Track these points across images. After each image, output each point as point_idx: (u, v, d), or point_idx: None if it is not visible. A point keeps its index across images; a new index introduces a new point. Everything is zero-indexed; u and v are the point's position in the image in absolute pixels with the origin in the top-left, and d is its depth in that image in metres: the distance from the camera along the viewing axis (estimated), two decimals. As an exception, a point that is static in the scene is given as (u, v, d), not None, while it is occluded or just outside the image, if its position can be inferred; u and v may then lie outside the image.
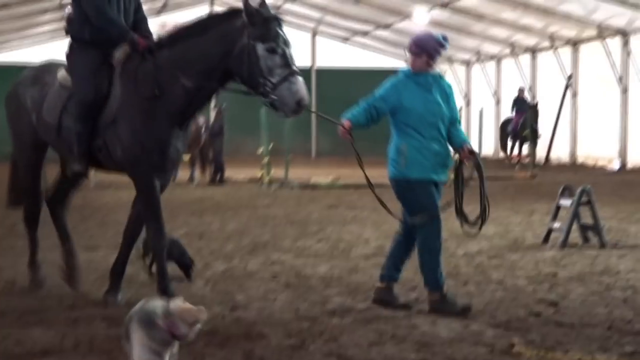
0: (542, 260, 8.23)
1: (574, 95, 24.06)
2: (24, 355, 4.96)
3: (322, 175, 18.69)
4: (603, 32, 21.83)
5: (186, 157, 16.55)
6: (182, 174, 16.67)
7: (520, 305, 6.31)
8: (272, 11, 5.80)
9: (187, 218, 11.63)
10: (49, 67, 6.72)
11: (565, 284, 7.09)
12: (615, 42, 21.93)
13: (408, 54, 6.25)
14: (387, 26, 27.18)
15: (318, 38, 31.17)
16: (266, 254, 8.60)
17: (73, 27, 6.34)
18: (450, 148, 6.28)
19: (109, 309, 6.00)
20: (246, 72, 5.72)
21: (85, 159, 6.20)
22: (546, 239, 9.30)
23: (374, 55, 30.78)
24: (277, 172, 17.65)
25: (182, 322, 4.08)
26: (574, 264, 8.07)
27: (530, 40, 25.43)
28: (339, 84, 28.70)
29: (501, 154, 26.33)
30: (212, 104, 17.84)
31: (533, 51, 26.09)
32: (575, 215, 9.18)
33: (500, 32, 25.39)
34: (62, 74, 6.40)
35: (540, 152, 23.58)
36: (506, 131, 25.11)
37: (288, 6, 26.90)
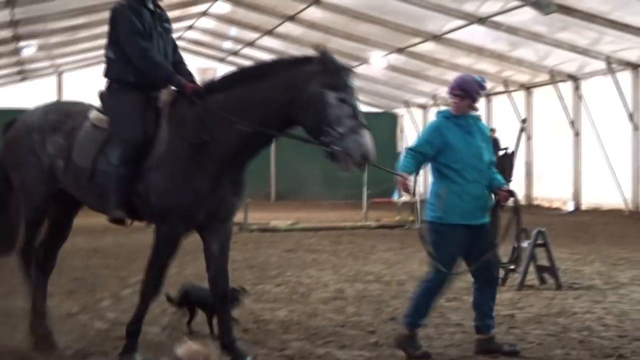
0: (500, 302, 8.23)
1: (529, 138, 24.48)
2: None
3: (281, 219, 18.66)
4: (555, 77, 22.34)
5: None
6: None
7: (479, 347, 6.31)
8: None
9: (145, 263, 11.43)
10: (67, 110, 6.35)
11: (523, 326, 7.14)
12: (567, 87, 22.42)
13: (450, 97, 6.21)
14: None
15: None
16: (225, 299, 8.50)
17: (114, 69, 6.03)
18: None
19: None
20: (312, 120, 5.45)
21: (124, 204, 5.86)
22: (503, 281, 9.38)
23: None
24: (236, 216, 17.50)
25: None
26: (531, 305, 8.14)
27: (485, 85, 25.85)
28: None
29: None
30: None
31: (488, 95, 26.53)
32: (532, 257, 9.29)
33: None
34: (95, 114, 6.08)
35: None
36: None
37: (246, 51, 27.10)
